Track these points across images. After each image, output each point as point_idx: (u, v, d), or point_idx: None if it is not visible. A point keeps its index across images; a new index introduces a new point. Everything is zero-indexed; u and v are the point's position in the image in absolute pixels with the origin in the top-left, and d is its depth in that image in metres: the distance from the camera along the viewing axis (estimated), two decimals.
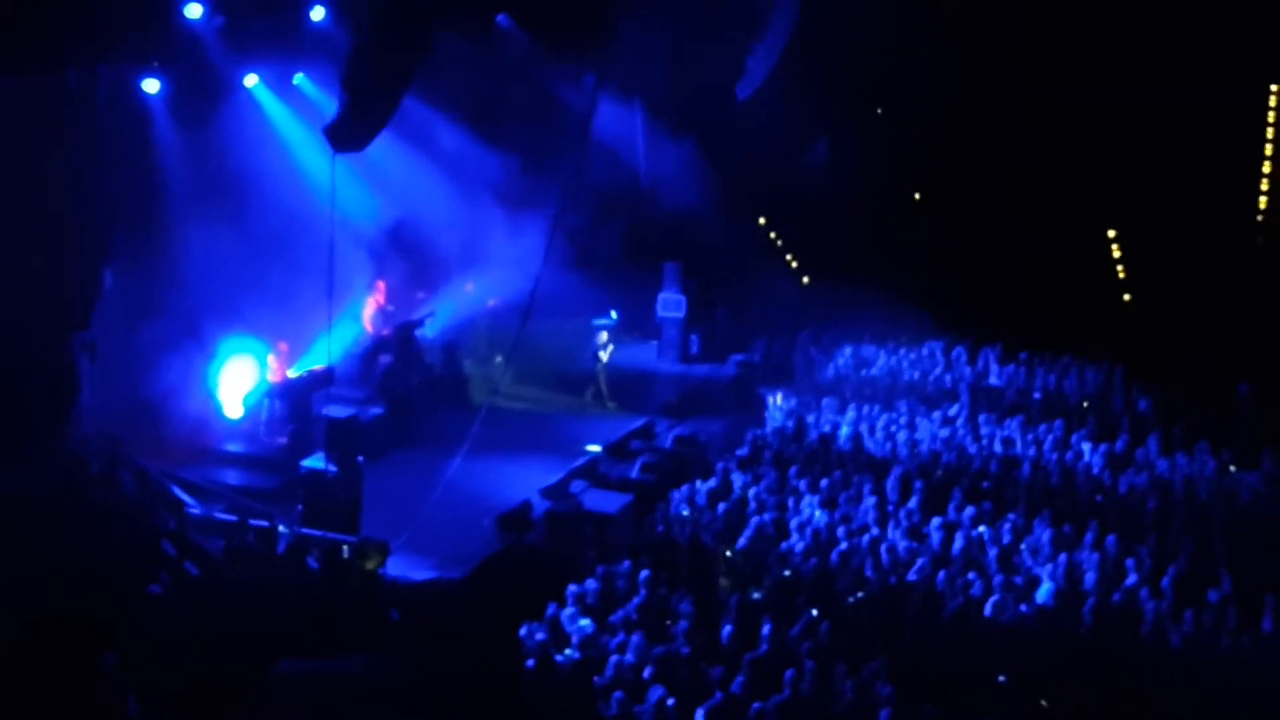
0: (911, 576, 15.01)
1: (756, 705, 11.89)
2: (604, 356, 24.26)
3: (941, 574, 14.92)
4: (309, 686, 12.34)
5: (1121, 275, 30.05)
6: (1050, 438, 20.28)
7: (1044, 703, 13.11)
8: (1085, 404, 22.52)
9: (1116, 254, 30.09)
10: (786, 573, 15.09)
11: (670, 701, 11.97)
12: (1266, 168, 28.82)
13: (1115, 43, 26.30)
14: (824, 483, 17.81)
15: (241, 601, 14.33)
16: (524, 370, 23.28)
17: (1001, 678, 13.29)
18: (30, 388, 16.81)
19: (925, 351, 25.67)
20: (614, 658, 12.70)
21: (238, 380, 20.27)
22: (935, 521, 16.53)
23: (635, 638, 13.08)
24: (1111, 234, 30.05)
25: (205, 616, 14.05)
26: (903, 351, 25.67)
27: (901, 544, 15.91)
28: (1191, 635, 13.85)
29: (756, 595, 14.36)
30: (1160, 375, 23.18)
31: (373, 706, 12.24)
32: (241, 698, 12.30)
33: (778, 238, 30.97)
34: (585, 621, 13.53)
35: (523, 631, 13.36)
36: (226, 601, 14.43)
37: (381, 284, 23.29)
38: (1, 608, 12.94)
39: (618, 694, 12.15)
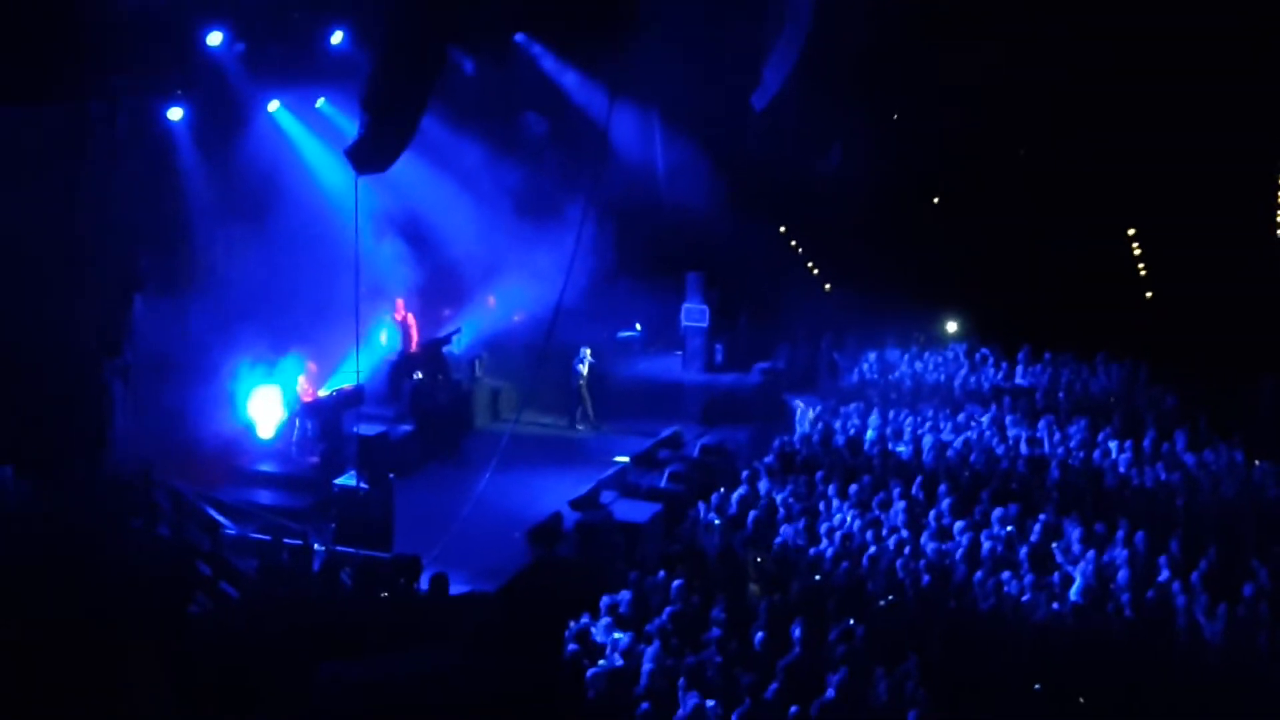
0: (942, 579, 14.98)
1: (793, 709, 11.89)
2: (584, 371, 23.84)
3: (974, 575, 14.92)
4: (354, 687, 12.46)
5: (1143, 272, 29.98)
6: (1077, 437, 20.25)
7: (1081, 700, 13.10)
8: (1111, 402, 22.48)
9: (1137, 251, 30.03)
10: (817, 578, 15.13)
11: (705, 710, 11.92)
12: None
13: (1131, 36, 26.27)
14: (852, 488, 17.83)
15: (278, 620, 14.47)
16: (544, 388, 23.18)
17: (1037, 686, 13.28)
18: (65, 414, 17.02)
19: (949, 354, 25.67)
20: (647, 667, 12.66)
21: (269, 401, 20.45)
22: (964, 523, 16.53)
23: (668, 647, 13.10)
24: (1131, 231, 29.98)
25: (243, 635, 14.21)
26: (927, 355, 25.68)
27: (931, 546, 15.92)
28: (1226, 630, 13.80)
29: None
30: (1185, 371, 23.11)
31: (416, 706, 12.35)
32: (286, 702, 12.42)
33: (798, 245, 31.00)
34: (619, 633, 13.52)
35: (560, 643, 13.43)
36: (263, 620, 14.57)
37: (400, 301, 23.41)
38: (41, 630, 13.09)
39: (651, 704, 12.13)
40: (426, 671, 12.80)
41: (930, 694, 12.40)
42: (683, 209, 26.16)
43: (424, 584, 15.50)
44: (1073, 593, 14.56)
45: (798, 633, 13.25)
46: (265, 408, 20.40)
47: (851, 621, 13.81)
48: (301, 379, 20.81)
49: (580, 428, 23.71)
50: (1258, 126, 26.69)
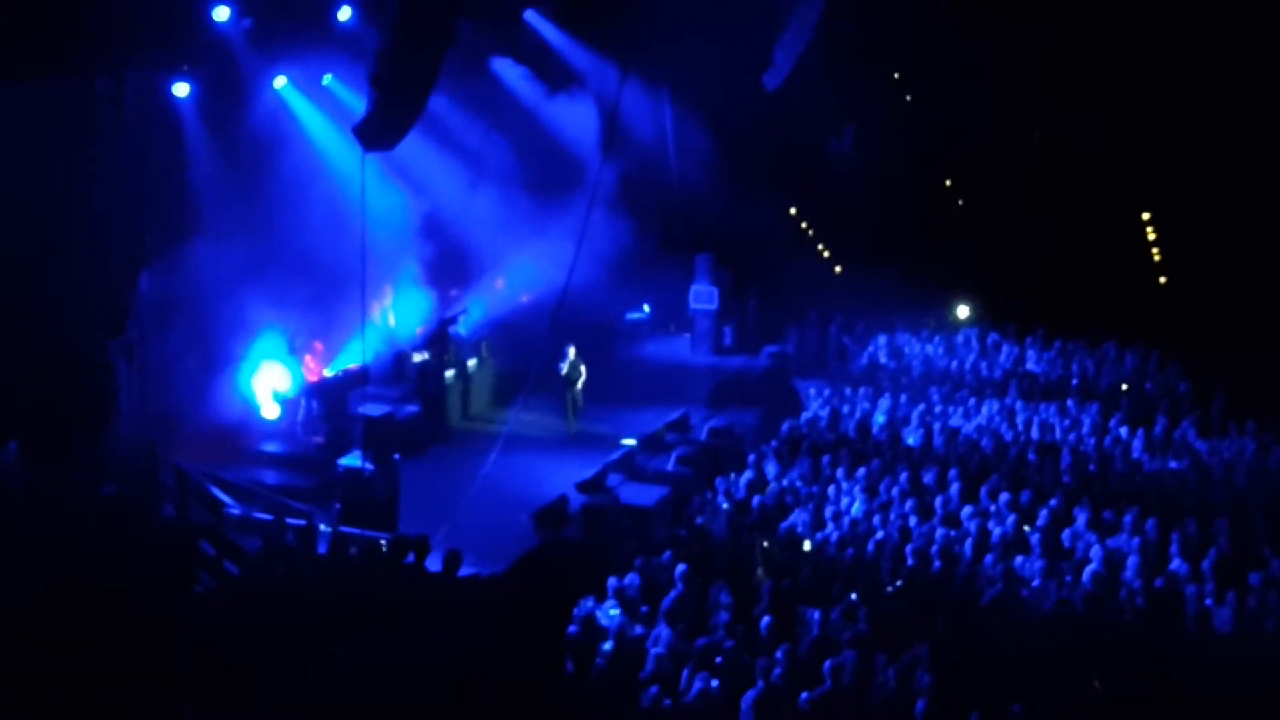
0: (951, 565, 14.91)
1: (804, 696, 11.88)
2: (565, 369, 22.57)
3: (983, 562, 14.87)
4: (351, 668, 12.39)
5: (1156, 258, 29.81)
6: (1088, 423, 20.15)
7: (1096, 684, 12.98)
8: (1123, 388, 22.37)
9: (1151, 236, 29.85)
10: (825, 565, 15.04)
11: (712, 693, 11.93)
12: None
13: (1145, 21, 26.09)
14: (860, 472, 17.74)
15: (282, 600, 14.40)
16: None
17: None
18: (70, 392, 16.95)
19: (960, 339, 25.55)
20: (653, 650, 12.68)
21: (274, 381, 20.37)
22: (973, 509, 16.44)
23: (675, 630, 13.08)
24: (1146, 216, 29.80)
25: (246, 615, 14.14)
26: (938, 339, 25.56)
27: (939, 532, 15.84)
28: (1236, 618, 13.74)
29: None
30: (1197, 357, 22.99)
31: (411, 688, 12.28)
32: (286, 682, 12.35)
33: (809, 227, 30.87)
34: (625, 616, 13.51)
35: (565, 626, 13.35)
36: (267, 600, 14.50)
37: (387, 288, 23.21)
38: (43, 610, 13.04)
39: (657, 687, 12.12)
40: (424, 651, 12.71)
41: (938, 681, 12.30)
42: (693, 189, 26.04)
43: (433, 563, 15.40)
44: (1083, 580, 14.45)
45: (806, 617, 13.24)
46: (270, 388, 20.30)
47: (854, 597, 13.76)
48: (307, 359, 20.72)
49: (572, 428, 22.72)
50: (1267, 108, 26.48)
